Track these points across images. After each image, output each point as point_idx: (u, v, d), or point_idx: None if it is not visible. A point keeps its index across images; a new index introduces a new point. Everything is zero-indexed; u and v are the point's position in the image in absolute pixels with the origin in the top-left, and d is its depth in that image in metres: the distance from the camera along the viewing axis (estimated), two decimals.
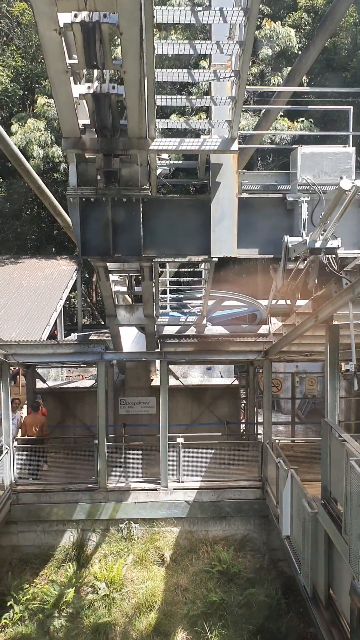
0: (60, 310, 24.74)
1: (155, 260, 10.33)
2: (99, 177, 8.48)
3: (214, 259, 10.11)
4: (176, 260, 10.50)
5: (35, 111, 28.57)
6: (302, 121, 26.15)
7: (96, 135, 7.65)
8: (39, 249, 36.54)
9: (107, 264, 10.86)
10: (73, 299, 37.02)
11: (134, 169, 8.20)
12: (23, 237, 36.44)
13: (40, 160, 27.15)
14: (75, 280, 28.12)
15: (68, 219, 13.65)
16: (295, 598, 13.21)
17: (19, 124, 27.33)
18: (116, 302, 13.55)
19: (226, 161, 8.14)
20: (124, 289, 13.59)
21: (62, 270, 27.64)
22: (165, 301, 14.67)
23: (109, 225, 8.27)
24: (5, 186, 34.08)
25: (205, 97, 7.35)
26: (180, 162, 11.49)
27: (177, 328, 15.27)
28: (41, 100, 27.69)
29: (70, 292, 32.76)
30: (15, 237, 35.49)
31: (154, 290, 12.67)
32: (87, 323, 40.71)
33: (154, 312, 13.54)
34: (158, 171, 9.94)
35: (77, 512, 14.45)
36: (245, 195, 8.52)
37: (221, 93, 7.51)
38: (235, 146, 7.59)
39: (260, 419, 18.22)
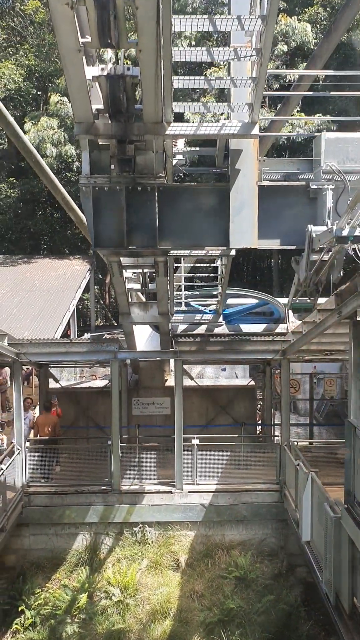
0: (74, 310, 24.51)
1: (171, 254, 9.98)
2: (112, 166, 8.15)
3: (231, 253, 9.76)
4: (192, 254, 10.14)
5: (48, 109, 28.37)
6: (320, 116, 25.65)
7: (110, 121, 7.32)
8: (52, 250, 36.38)
9: (121, 258, 10.53)
10: (86, 301, 36.85)
11: (149, 156, 7.85)
12: (36, 237, 36.29)
13: (53, 159, 26.91)
14: (89, 280, 27.89)
15: (81, 214, 13.32)
16: (315, 605, 12.78)
17: (32, 123, 27.11)
18: (130, 300, 13.23)
19: (246, 147, 7.75)
20: (138, 286, 13.26)
21: (76, 270, 27.43)
22: (180, 298, 14.30)
23: (123, 216, 7.92)
24: (18, 186, 33.95)
25: (224, 77, 6.96)
26: (197, 148, 11.06)
27: (192, 327, 14.90)
28: (54, 98, 27.47)
29: (83, 294, 32.55)
30: (29, 237, 35.33)
31: (168, 288, 12.33)
32: (100, 325, 40.51)
33: (169, 310, 13.20)
34: (174, 162, 9.58)
35: (90, 515, 14.12)
36: (266, 183, 8.13)
37: (241, 74, 7.12)
38: (256, 130, 7.20)
39: (277, 421, 17.83)
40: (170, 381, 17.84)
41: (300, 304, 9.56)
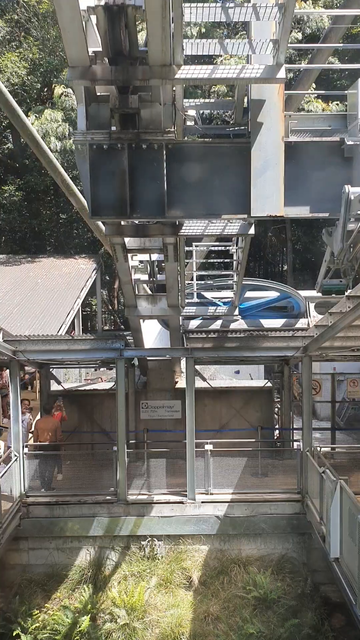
0: (78, 310, 23.47)
1: (182, 233, 8.82)
2: (113, 127, 7.02)
3: (250, 231, 8.62)
4: (206, 233, 8.93)
5: (53, 101, 27.47)
6: (338, 104, 24.55)
7: (109, 65, 6.19)
8: (57, 250, 35.48)
9: (125, 239, 9.40)
10: (94, 306, 35.87)
11: (155, 110, 6.71)
12: (41, 237, 35.41)
13: (58, 153, 25.89)
14: (95, 280, 26.84)
15: (82, 199, 12.21)
16: (344, 629, 11.52)
17: (35, 116, 26.19)
18: (136, 292, 12.11)
19: (269, 96, 6.58)
20: (145, 277, 12.14)
21: (81, 269, 26.45)
22: (192, 289, 13.15)
23: (126, 179, 6.77)
24: (22, 186, 33.06)
25: (246, 4, 5.80)
26: (211, 100, 9.91)
27: (205, 322, 13.75)
28: (58, 90, 26.55)
29: (90, 298, 31.48)
30: (33, 236, 34.43)
31: (179, 276, 11.18)
32: (108, 329, 39.55)
33: (179, 302, 12.04)
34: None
35: (94, 528, 13.04)
36: (293, 139, 6.95)
37: (265, 1, 5.95)
38: (282, 73, 6.03)
39: (295, 425, 16.67)
40: (181, 383, 16.77)
41: (331, 285, 8.35)
